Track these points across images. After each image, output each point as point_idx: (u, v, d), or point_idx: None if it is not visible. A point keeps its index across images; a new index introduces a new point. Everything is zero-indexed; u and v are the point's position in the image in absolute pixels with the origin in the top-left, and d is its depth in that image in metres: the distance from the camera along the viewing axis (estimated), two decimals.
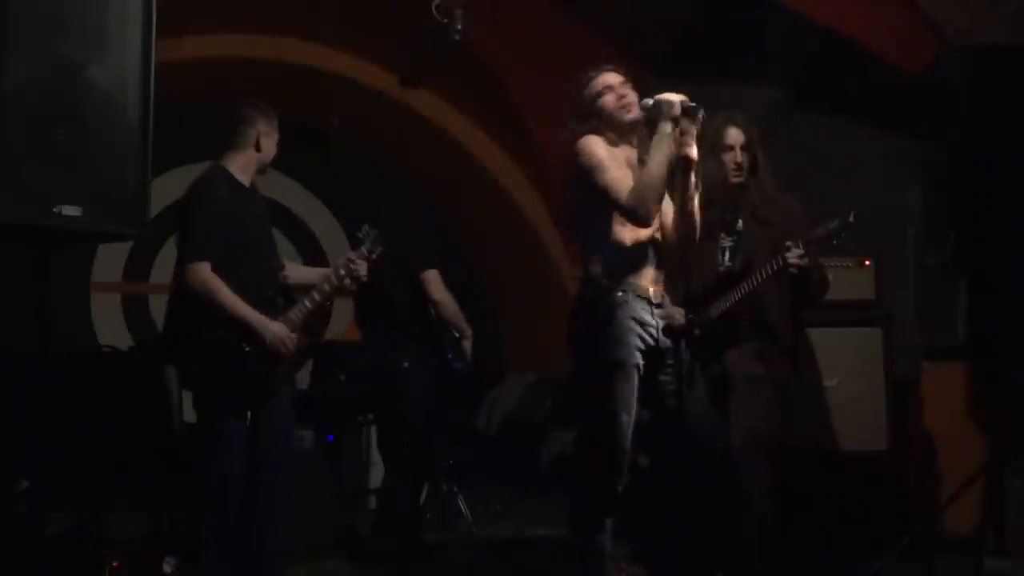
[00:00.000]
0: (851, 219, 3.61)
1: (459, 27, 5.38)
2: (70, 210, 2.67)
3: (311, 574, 4.54)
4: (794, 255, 3.64)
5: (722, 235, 3.89)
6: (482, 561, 4.78)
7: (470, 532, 5.26)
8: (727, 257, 3.89)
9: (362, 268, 3.96)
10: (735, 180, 3.86)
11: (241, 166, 3.85)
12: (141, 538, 4.57)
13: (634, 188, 3.31)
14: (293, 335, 3.76)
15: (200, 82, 7.16)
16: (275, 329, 3.70)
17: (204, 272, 3.63)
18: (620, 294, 3.34)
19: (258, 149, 3.87)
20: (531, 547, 4.97)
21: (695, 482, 3.38)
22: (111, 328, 8.00)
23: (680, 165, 3.31)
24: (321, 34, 7.22)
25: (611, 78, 3.51)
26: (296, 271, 4.09)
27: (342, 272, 3.92)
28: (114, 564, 4.11)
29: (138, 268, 8.19)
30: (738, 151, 3.87)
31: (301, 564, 4.43)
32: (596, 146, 3.41)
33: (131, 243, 7.03)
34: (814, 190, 4.31)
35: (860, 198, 4.96)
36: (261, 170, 3.92)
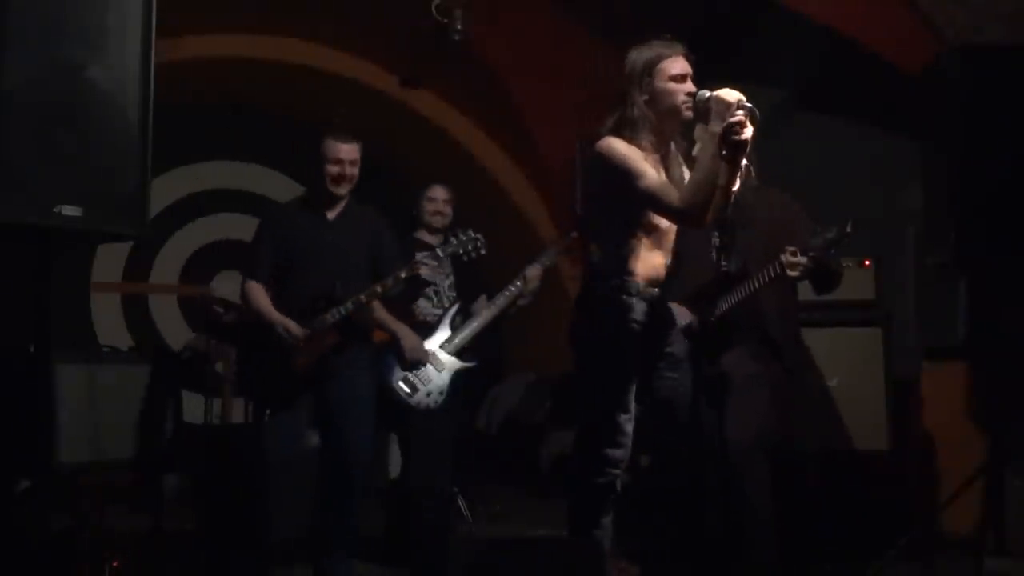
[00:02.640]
0: (849, 229, 3.58)
1: (459, 27, 5.39)
2: (70, 210, 2.67)
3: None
4: (791, 262, 3.62)
5: (714, 234, 3.87)
6: (482, 561, 4.77)
7: (470, 532, 5.26)
8: (719, 256, 3.88)
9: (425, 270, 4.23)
10: None
11: (315, 191, 4.20)
12: (141, 538, 4.58)
13: (686, 191, 3.23)
14: (300, 335, 4.03)
15: (200, 82, 7.16)
16: (284, 322, 4.04)
17: (246, 287, 4.16)
18: (622, 295, 3.34)
19: (319, 174, 4.14)
20: (531, 547, 4.97)
21: (691, 480, 3.38)
22: (111, 328, 8.01)
23: (731, 151, 3.13)
24: (321, 34, 7.22)
25: (686, 66, 3.35)
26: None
27: (403, 274, 4.15)
28: (114, 564, 4.11)
29: (138, 268, 8.19)
30: None
31: (307, 565, 4.41)
32: (626, 149, 3.29)
33: (131, 243, 7.03)
34: (815, 190, 4.30)
35: (860, 198, 4.98)
36: (332, 192, 4.14)
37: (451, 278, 4.83)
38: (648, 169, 3.28)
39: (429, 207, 4.85)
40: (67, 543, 4.08)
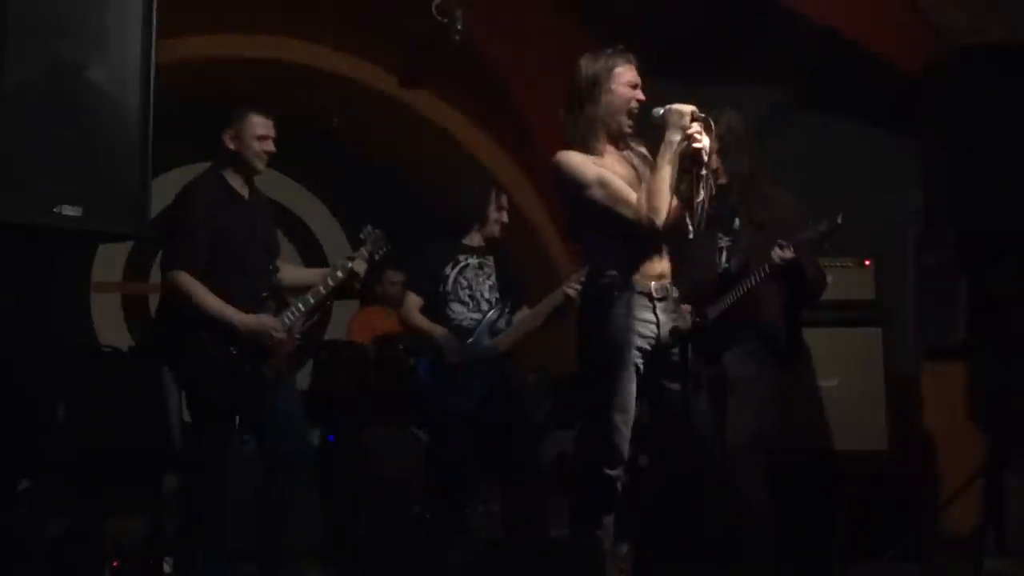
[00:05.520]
0: (839, 221, 3.59)
1: (459, 27, 5.38)
2: (70, 210, 2.67)
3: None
4: (779, 254, 3.64)
5: (719, 235, 3.88)
6: (482, 561, 4.76)
7: (470, 532, 5.25)
8: (724, 257, 3.89)
9: (360, 268, 3.95)
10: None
11: (230, 170, 3.88)
12: (141, 538, 4.57)
13: (644, 201, 3.29)
14: (277, 324, 3.74)
15: (200, 82, 7.16)
16: (249, 321, 3.69)
17: (179, 278, 3.67)
18: (617, 292, 3.35)
19: (231, 153, 3.86)
20: (532, 547, 4.96)
21: (690, 483, 3.39)
22: (111, 328, 8.00)
23: (690, 164, 3.26)
24: (321, 34, 7.22)
25: (634, 76, 3.41)
26: (292, 272, 4.09)
27: (339, 274, 3.91)
28: (114, 564, 4.11)
29: (138, 268, 8.18)
30: None
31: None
32: (579, 162, 3.37)
33: (131, 243, 7.02)
34: (814, 190, 4.30)
35: (860, 198, 4.97)
36: (249, 170, 3.89)
37: (491, 280, 4.60)
38: (601, 177, 3.33)
39: (496, 215, 4.60)
40: (67, 543, 4.08)
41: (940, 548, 4.19)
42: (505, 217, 4.66)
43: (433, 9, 5.26)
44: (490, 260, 4.62)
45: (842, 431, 4.50)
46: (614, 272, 3.37)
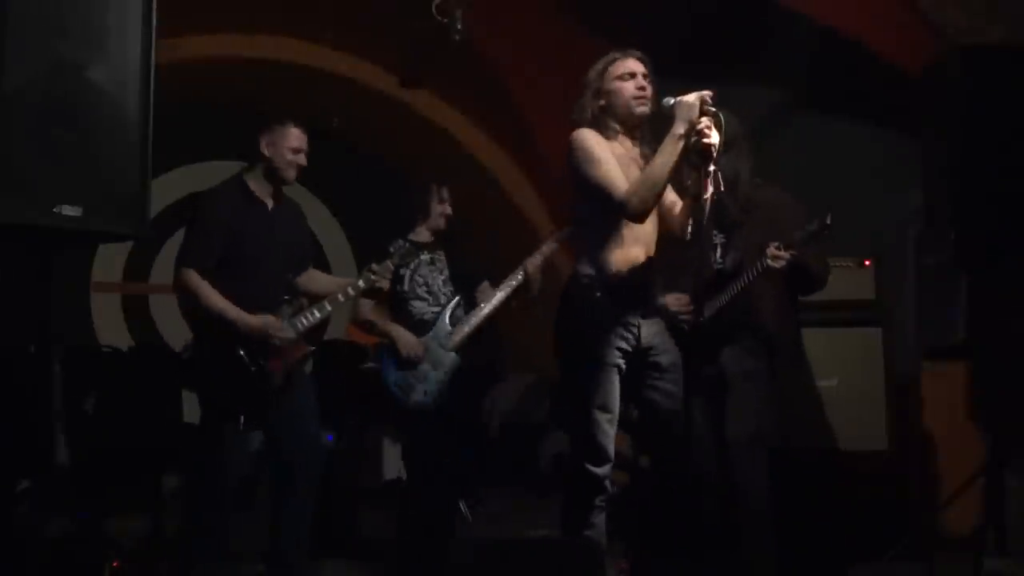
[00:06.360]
0: (828, 222, 3.59)
1: (459, 27, 5.38)
2: (70, 210, 2.67)
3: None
4: (775, 255, 3.64)
5: (713, 232, 3.88)
6: (482, 561, 4.76)
7: (470, 532, 5.25)
8: (719, 254, 3.90)
9: (385, 284, 4.00)
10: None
11: (256, 177, 3.94)
12: (141, 538, 4.57)
13: (633, 183, 3.29)
14: (280, 326, 3.80)
15: (200, 82, 7.16)
16: (251, 321, 3.76)
17: (187, 276, 3.79)
18: (600, 293, 3.35)
19: (264, 158, 3.91)
20: (531, 547, 4.96)
21: (687, 482, 3.40)
22: (111, 328, 8.01)
23: (697, 158, 3.21)
24: (321, 34, 7.22)
25: (636, 65, 3.45)
26: (314, 280, 4.14)
27: (361, 283, 4.01)
28: (114, 564, 4.11)
29: (138, 268, 8.19)
30: None
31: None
32: (590, 139, 3.39)
33: (131, 243, 7.03)
34: (815, 190, 4.30)
35: (860, 198, 4.97)
36: (278, 179, 3.94)
37: (445, 273, 4.64)
38: (605, 159, 3.34)
39: (439, 208, 4.65)
40: (67, 543, 4.08)
41: (940, 548, 4.19)
42: (448, 209, 4.66)
43: (433, 9, 5.26)
44: (441, 255, 4.64)
45: (842, 431, 4.50)
46: (592, 272, 3.38)
